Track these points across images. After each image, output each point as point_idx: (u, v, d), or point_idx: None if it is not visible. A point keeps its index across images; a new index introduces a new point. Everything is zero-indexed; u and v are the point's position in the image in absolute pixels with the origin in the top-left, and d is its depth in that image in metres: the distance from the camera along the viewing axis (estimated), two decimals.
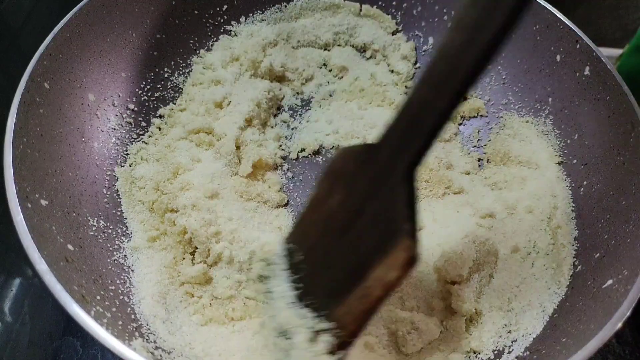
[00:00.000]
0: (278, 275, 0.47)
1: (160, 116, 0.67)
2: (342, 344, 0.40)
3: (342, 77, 0.75)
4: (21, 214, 0.44)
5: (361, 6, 0.77)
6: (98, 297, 0.46)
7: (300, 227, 0.48)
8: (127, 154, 0.62)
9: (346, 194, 0.43)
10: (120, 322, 0.45)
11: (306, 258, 0.45)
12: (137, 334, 0.46)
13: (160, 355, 0.44)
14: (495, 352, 0.51)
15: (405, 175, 0.38)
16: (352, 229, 0.41)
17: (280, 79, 0.74)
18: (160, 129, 0.66)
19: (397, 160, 0.38)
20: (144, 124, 0.66)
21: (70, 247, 0.49)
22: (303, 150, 0.67)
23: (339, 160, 0.45)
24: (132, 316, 0.48)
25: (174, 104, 0.68)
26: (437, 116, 0.36)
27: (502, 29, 0.35)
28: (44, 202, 0.49)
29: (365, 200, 0.41)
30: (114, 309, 0.46)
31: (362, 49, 0.77)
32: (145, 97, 0.67)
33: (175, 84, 0.70)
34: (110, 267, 0.52)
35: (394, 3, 0.76)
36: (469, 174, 0.66)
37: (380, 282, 0.38)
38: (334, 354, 0.40)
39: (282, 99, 0.73)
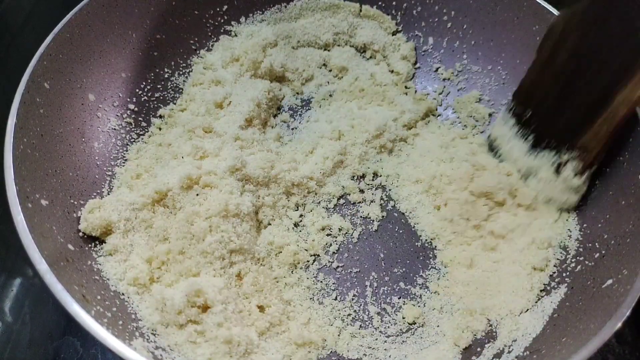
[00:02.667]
0: (510, 138, 0.60)
1: (160, 116, 0.67)
2: (590, 164, 0.52)
3: (342, 77, 0.75)
4: (22, 214, 0.44)
5: (361, 6, 0.77)
6: (98, 297, 0.46)
7: (523, 89, 0.59)
8: (127, 154, 0.62)
9: (574, 49, 0.52)
10: (120, 322, 0.45)
11: (535, 112, 0.57)
12: (137, 333, 0.46)
13: (161, 355, 0.44)
14: (496, 352, 0.51)
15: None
16: (586, 72, 0.51)
17: (280, 79, 0.74)
18: (160, 129, 0.66)
19: (629, 2, 0.46)
20: (144, 124, 0.66)
21: (70, 247, 0.49)
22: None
23: (560, 23, 0.54)
24: (132, 316, 0.48)
25: (174, 104, 0.68)
26: None
27: None
28: (44, 202, 0.49)
29: (597, 46, 0.49)
30: (114, 309, 0.46)
31: (362, 49, 0.77)
32: (146, 98, 0.67)
33: (175, 84, 0.70)
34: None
35: (394, 3, 0.76)
36: None
37: (625, 102, 0.47)
38: (583, 174, 0.52)
39: (282, 99, 0.73)
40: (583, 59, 0.52)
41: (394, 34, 0.77)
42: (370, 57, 0.77)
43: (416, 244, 0.61)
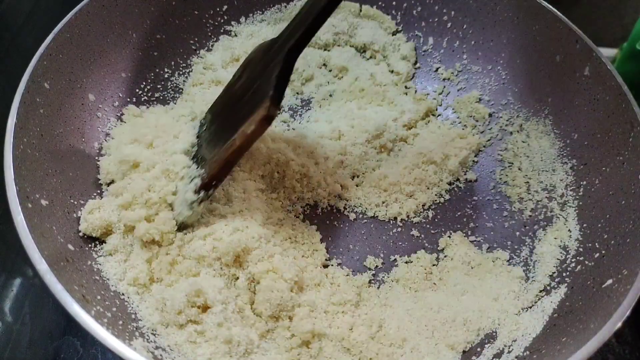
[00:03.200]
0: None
1: None
2: (206, 185, 0.53)
3: (342, 77, 0.75)
4: (22, 214, 0.44)
5: (361, 6, 0.77)
6: (98, 297, 0.46)
7: (212, 106, 0.62)
8: None
9: (247, 77, 0.57)
10: (120, 322, 0.45)
11: (207, 128, 0.59)
12: (137, 333, 0.46)
13: (161, 355, 0.44)
14: (496, 352, 0.51)
15: (284, 57, 0.51)
16: (241, 100, 0.54)
17: None
18: None
19: (283, 46, 0.52)
20: None
21: (70, 247, 0.49)
22: None
23: (253, 52, 0.59)
24: (133, 316, 0.48)
25: (175, 104, 0.68)
26: (313, 17, 0.51)
27: None
28: (44, 202, 0.49)
29: (256, 79, 0.54)
30: (114, 309, 0.46)
31: (362, 49, 0.77)
32: (146, 98, 0.67)
33: (175, 84, 0.70)
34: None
35: (394, 3, 0.76)
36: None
37: (242, 135, 0.50)
38: (199, 193, 0.52)
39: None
40: (243, 91, 0.55)
41: (394, 34, 0.77)
42: (370, 57, 0.77)
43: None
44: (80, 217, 0.53)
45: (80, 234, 0.52)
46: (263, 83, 0.52)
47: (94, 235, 0.52)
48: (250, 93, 0.53)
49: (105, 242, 0.53)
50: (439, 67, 0.75)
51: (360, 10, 0.77)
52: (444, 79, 0.75)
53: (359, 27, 0.77)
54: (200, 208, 0.53)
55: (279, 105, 0.50)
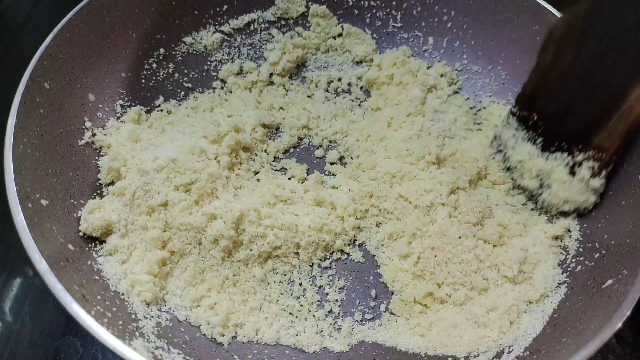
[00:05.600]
0: (518, 142, 0.59)
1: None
2: (607, 163, 0.52)
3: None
4: (22, 214, 0.44)
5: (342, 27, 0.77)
6: (98, 297, 0.46)
7: (527, 93, 0.58)
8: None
9: (578, 49, 0.52)
10: (120, 322, 0.45)
11: (541, 116, 0.56)
12: (137, 333, 0.46)
13: (161, 355, 0.44)
14: (496, 352, 0.51)
15: None
16: (597, 71, 0.50)
17: None
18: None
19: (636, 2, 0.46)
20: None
21: (70, 247, 0.49)
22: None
23: (560, 26, 0.54)
24: (133, 316, 0.48)
25: (175, 103, 0.68)
26: None
27: None
28: (44, 202, 0.49)
29: (605, 45, 0.49)
30: (114, 309, 0.46)
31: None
32: (146, 97, 0.67)
33: (175, 84, 0.70)
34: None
35: (393, 3, 0.76)
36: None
37: None
38: (600, 174, 0.52)
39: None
40: (591, 59, 0.51)
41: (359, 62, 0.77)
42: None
43: None
44: (80, 217, 0.53)
45: (80, 233, 0.52)
46: (628, 45, 0.48)
47: (94, 235, 0.52)
48: (611, 59, 0.49)
49: (105, 242, 0.53)
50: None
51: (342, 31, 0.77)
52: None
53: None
54: (601, 186, 0.54)
55: None
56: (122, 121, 0.63)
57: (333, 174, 0.66)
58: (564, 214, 0.58)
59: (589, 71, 0.52)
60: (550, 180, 0.57)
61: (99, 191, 0.57)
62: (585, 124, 0.53)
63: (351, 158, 0.67)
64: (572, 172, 0.55)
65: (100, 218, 0.52)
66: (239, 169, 0.62)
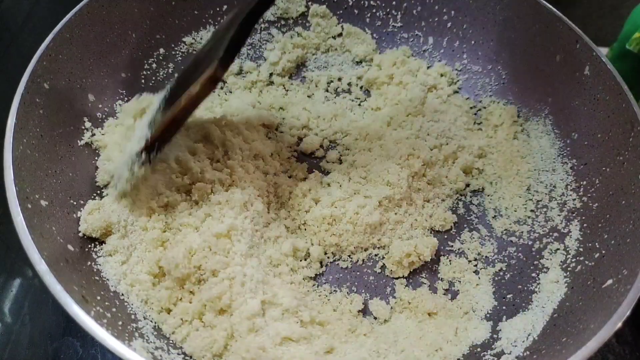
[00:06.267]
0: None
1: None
2: (147, 146, 0.52)
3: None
4: (21, 215, 0.44)
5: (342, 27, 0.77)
6: (98, 298, 0.46)
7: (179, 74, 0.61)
8: None
9: (208, 43, 0.58)
10: (120, 322, 0.45)
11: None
12: (137, 334, 0.46)
13: (160, 356, 0.44)
14: (496, 352, 0.51)
15: (242, 21, 0.51)
16: (197, 64, 0.54)
17: None
18: None
19: (243, 12, 0.51)
20: None
21: (70, 247, 0.49)
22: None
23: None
24: (132, 316, 0.48)
25: None
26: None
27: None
28: (44, 203, 0.49)
29: (213, 43, 0.55)
30: (114, 309, 0.46)
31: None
32: None
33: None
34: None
35: (393, 3, 0.76)
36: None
37: (188, 95, 0.50)
38: (140, 155, 0.52)
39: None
40: (201, 55, 0.56)
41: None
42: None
43: None
44: (80, 217, 0.53)
45: (80, 234, 0.52)
46: (216, 46, 0.52)
47: (93, 235, 0.52)
48: (203, 57, 0.54)
49: (105, 243, 0.53)
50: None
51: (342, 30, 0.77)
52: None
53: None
54: (141, 171, 0.52)
55: (227, 67, 0.51)
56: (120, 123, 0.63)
57: (328, 171, 0.66)
58: None
59: (197, 63, 0.55)
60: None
61: (98, 191, 0.57)
62: (169, 107, 0.53)
63: (346, 155, 0.67)
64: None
65: (100, 219, 0.52)
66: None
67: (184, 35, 0.72)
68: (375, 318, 0.55)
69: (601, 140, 0.58)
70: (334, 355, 0.50)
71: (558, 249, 0.58)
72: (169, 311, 0.50)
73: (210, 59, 0.51)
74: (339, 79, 0.75)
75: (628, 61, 0.65)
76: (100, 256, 0.52)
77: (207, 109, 0.68)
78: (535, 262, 0.58)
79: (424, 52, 0.76)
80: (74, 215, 0.53)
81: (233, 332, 0.48)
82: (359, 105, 0.73)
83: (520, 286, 0.57)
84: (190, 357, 0.47)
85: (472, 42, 0.73)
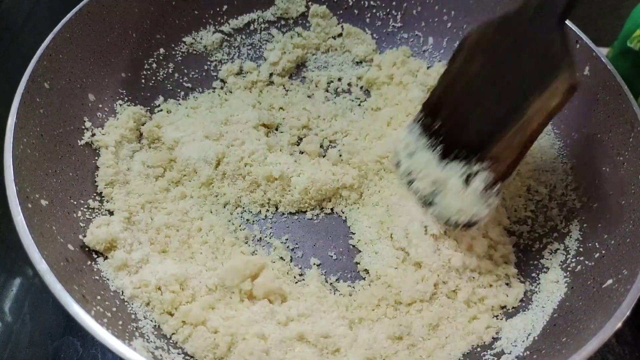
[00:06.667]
0: (418, 149, 0.56)
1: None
2: (502, 176, 0.50)
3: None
4: (21, 214, 0.44)
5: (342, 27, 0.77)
6: (98, 297, 0.46)
7: (433, 100, 0.56)
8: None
9: (487, 59, 0.51)
10: (120, 322, 0.45)
11: (444, 123, 0.54)
12: (137, 333, 0.46)
13: (161, 355, 0.44)
14: (495, 352, 0.51)
15: (557, 24, 0.46)
16: (498, 82, 0.50)
17: None
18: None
19: (544, 15, 0.46)
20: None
21: (70, 246, 0.49)
22: None
23: (475, 34, 0.53)
24: (132, 316, 0.48)
25: (174, 102, 0.69)
26: None
27: None
28: (44, 202, 0.49)
29: (512, 57, 0.49)
30: (114, 309, 0.46)
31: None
32: (146, 97, 0.67)
33: (175, 84, 0.70)
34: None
35: (393, 3, 0.76)
36: None
37: (540, 112, 0.46)
38: (494, 186, 0.49)
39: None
40: (494, 69, 0.51)
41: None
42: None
43: None
44: (80, 217, 0.53)
45: (81, 236, 0.52)
46: (539, 56, 0.47)
47: (97, 249, 0.51)
48: (515, 72, 0.49)
49: (107, 258, 0.52)
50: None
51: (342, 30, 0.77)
52: None
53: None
54: (497, 200, 0.51)
55: (576, 72, 0.46)
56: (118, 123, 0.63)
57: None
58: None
59: (492, 81, 0.51)
60: (444, 190, 0.54)
61: (98, 191, 0.57)
62: (484, 134, 0.51)
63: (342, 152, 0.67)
64: (467, 183, 0.52)
65: (106, 232, 0.51)
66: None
67: (184, 35, 0.72)
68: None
69: (601, 140, 0.58)
70: (339, 355, 0.50)
71: (558, 249, 0.58)
72: (171, 313, 0.50)
73: (542, 69, 0.47)
74: (339, 79, 0.75)
75: (629, 58, 0.65)
76: (100, 256, 0.52)
77: (207, 109, 0.68)
78: (535, 262, 0.58)
79: (424, 52, 0.76)
80: (74, 214, 0.53)
81: (236, 335, 0.48)
82: (359, 105, 0.73)
83: None
84: (192, 357, 0.47)
85: None
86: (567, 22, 0.62)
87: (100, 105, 0.62)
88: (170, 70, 0.70)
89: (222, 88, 0.72)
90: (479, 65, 0.52)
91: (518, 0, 0.65)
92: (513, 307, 0.55)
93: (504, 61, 0.50)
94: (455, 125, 0.54)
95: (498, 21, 0.51)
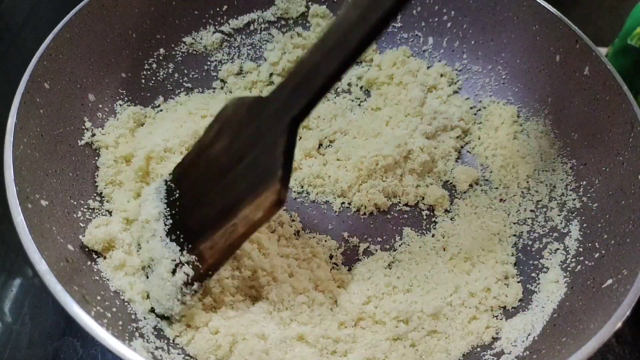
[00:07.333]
0: (159, 212, 0.50)
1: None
2: (200, 277, 0.46)
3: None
4: (21, 215, 0.44)
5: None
6: (98, 297, 0.46)
7: (181, 167, 0.51)
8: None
9: (231, 140, 0.47)
10: (120, 322, 0.45)
11: (181, 197, 0.50)
12: (137, 334, 0.46)
13: (160, 356, 0.44)
14: (495, 352, 0.51)
15: (287, 128, 0.43)
16: (230, 172, 0.46)
17: None
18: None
19: (282, 113, 0.43)
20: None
21: (70, 247, 0.49)
22: None
23: (231, 108, 0.48)
24: (132, 316, 0.48)
25: (174, 102, 0.68)
26: (324, 79, 0.41)
27: (392, 10, 0.39)
28: (44, 203, 0.49)
29: (247, 148, 0.45)
30: (114, 309, 0.46)
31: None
32: (146, 97, 0.67)
33: (175, 84, 0.70)
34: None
35: None
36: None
37: (246, 220, 0.44)
38: (191, 285, 0.46)
39: None
40: (233, 154, 0.46)
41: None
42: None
43: None
44: (80, 217, 0.53)
45: (81, 236, 0.52)
46: (264, 157, 0.44)
47: (95, 248, 0.51)
48: (244, 165, 0.45)
49: (106, 258, 0.52)
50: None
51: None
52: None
53: None
54: (194, 301, 0.47)
55: (287, 185, 0.43)
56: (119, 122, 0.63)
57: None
58: None
59: (226, 167, 0.46)
60: (155, 272, 0.48)
61: (98, 192, 0.57)
62: (201, 225, 0.47)
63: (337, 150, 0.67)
64: (174, 272, 0.47)
65: (104, 232, 0.51)
66: None
67: (184, 35, 0.72)
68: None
69: (601, 140, 0.58)
70: (338, 355, 0.50)
71: (558, 249, 0.58)
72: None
73: (261, 174, 0.43)
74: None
75: (629, 56, 0.66)
76: (100, 256, 0.52)
77: (207, 110, 0.68)
78: (535, 262, 0.58)
79: (424, 52, 0.76)
80: (74, 215, 0.53)
81: (236, 335, 0.48)
82: (359, 105, 0.73)
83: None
84: (192, 357, 0.47)
85: (472, 42, 0.73)
86: (567, 21, 0.62)
87: (100, 105, 0.62)
88: (170, 70, 0.70)
89: (222, 88, 0.72)
90: (225, 144, 0.47)
91: (519, 2, 0.66)
92: (513, 307, 0.55)
93: (240, 150, 0.46)
94: (187, 204, 0.49)
95: (252, 101, 0.46)
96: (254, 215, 0.43)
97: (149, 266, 0.50)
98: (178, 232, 0.48)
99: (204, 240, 0.46)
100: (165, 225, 0.49)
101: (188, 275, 0.46)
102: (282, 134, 0.43)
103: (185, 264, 0.46)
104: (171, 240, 0.48)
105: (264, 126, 0.44)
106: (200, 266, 0.46)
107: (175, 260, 0.47)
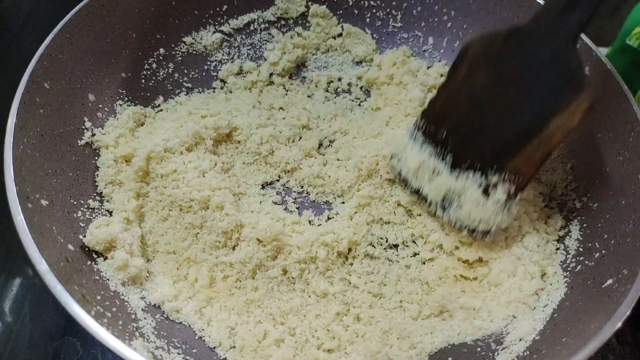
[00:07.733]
0: (425, 157, 0.56)
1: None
2: (522, 187, 0.51)
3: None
4: (22, 214, 0.44)
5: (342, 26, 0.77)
6: (98, 297, 0.46)
7: (435, 108, 0.56)
8: None
9: (494, 71, 0.51)
10: (120, 322, 0.45)
11: (451, 133, 0.55)
12: (137, 334, 0.46)
13: (161, 355, 0.44)
14: (495, 352, 0.51)
15: (573, 43, 0.47)
16: (511, 96, 0.50)
17: None
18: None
19: (558, 33, 0.47)
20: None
21: (70, 246, 0.49)
22: None
23: (478, 46, 0.52)
24: (132, 316, 0.48)
25: (175, 102, 0.68)
26: None
27: None
28: (44, 202, 0.49)
29: (524, 72, 0.49)
30: (114, 309, 0.46)
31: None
32: (146, 97, 0.67)
33: (175, 85, 0.70)
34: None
35: (393, 3, 0.76)
36: None
37: (562, 129, 0.48)
38: (515, 197, 0.51)
39: None
40: (505, 82, 0.51)
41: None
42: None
43: None
44: (80, 217, 0.53)
45: (81, 236, 0.52)
46: (557, 74, 0.48)
47: (96, 249, 0.51)
48: (529, 87, 0.50)
49: (107, 258, 0.52)
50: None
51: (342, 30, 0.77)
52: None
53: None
54: (516, 208, 0.53)
55: (592, 90, 0.48)
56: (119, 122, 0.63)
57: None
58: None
59: (506, 95, 0.51)
60: (462, 200, 0.55)
61: (98, 191, 0.57)
62: (501, 146, 0.52)
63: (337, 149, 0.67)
64: (486, 193, 0.53)
65: (105, 232, 0.51)
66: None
67: (184, 35, 0.72)
68: None
69: (601, 140, 0.58)
70: (335, 353, 0.50)
71: (558, 249, 0.58)
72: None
73: (566, 88, 0.48)
74: (339, 79, 0.75)
75: (628, 56, 0.66)
76: (100, 255, 0.52)
77: (207, 110, 0.68)
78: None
79: (424, 52, 0.76)
80: (75, 214, 0.53)
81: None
82: (359, 105, 0.73)
83: None
84: (192, 357, 0.47)
85: None
86: None
87: (100, 105, 0.62)
88: (170, 70, 0.70)
89: (222, 88, 0.72)
90: (485, 77, 0.52)
91: (519, 2, 0.66)
92: None
93: (515, 75, 0.51)
94: (465, 136, 0.55)
95: (505, 33, 0.51)
96: (570, 123, 0.48)
97: (442, 200, 0.56)
98: (469, 161, 0.54)
99: (512, 158, 0.51)
100: (443, 160, 0.55)
101: (509, 190, 0.51)
102: (570, 50, 0.47)
103: (499, 183, 0.52)
104: (464, 170, 0.54)
105: (539, 51, 0.48)
106: (519, 179, 0.51)
107: (481, 185, 0.53)
